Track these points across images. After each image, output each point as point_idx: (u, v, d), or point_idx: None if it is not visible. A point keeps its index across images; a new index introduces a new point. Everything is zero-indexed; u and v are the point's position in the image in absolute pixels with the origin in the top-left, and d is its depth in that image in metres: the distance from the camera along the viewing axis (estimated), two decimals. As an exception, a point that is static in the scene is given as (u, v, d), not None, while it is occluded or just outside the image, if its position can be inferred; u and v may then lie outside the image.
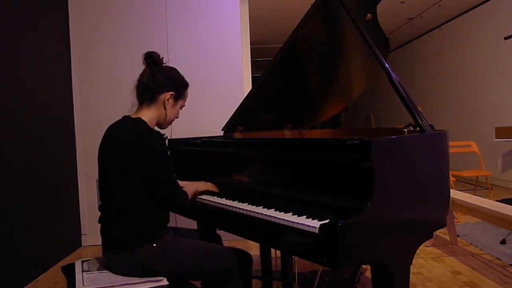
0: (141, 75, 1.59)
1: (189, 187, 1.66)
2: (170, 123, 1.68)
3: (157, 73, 1.58)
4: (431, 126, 1.49)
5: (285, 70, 1.89)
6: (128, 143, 1.47)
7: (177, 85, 1.63)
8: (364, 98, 10.65)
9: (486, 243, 3.07)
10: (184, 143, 2.07)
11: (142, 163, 1.45)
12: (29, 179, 2.71)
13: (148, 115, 1.57)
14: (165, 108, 1.60)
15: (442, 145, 1.46)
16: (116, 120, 1.60)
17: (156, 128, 1.62)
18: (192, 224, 1.93)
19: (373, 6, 1.82)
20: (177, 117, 1.69)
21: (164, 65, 1.61)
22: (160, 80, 1.57)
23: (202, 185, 1.73)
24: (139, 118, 1.54)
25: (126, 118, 1.58)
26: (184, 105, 1.70)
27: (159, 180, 1.49)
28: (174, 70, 1.65)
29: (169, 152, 1.69)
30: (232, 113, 2.10)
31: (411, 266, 1.36)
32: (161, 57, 1.59)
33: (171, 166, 1.53)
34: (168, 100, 1.59)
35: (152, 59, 1.56)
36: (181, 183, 1.66)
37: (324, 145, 1.33)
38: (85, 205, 3.46)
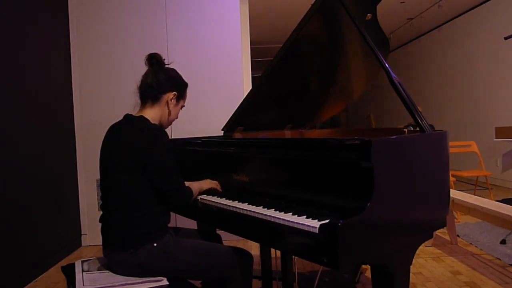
0: (145, 76, 1.62)
1: (194, 184, 1.67)
2: (170, 123, 1.71)
3: (161, 73, 1.61)
4: (431, 126, 1.49)
5: (285, 70, 1.89)
6: (132, 139, 1.49)
7: (179, 86, 1.67)
8: (364, 98, 10.65)
9: (486, 243, 3.07)
10: (184, 143, 2.07)
11: (147, 158, 1.46)
12: (29, 179, 2.71)
13: (151, 114, 1.60)
14: (168, 107, 1.63)
15: (442, 145, 1.46)
16: (118, 119, 1.62)
17: None
18: (192, 224, 1.93)
19: (373, 6, 1.82)
20: (176, 118, 1.72)
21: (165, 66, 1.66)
22: (164, 81, 1.61)
23: (207, 183, 1.74)
24: (142, 116, 1.57)
25: (128, 116, 1.60)
26: (184, 105, 1.73)
27: (164, 174, 1.50)
28: (174, 71, 1.69)
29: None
30: (232, 113, 2.10)
31: (411, 266, 1.36)
32: (163, 58, 1.63)
33: (175, 161, 1.54)
34: (171, 100, 1.63)
35: (155, 60, 1.61)
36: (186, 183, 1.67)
37: (324, 145, 1.33)
38: (85, 205, 3.46)
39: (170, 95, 1.62)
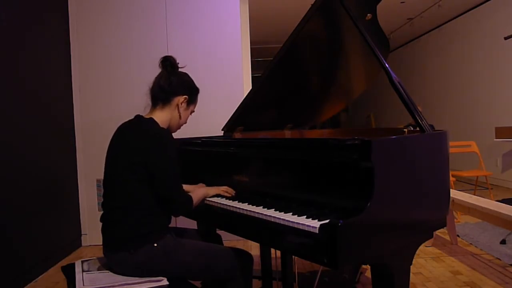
0: (158, 77, 1.63)
1: (197, 191, 1.64)
2: (179, 127, 1.71)
3: (174, 76, 1.62)
4: (431, 126, 1.49)
5: (285, 70, 1.89)
6: (138, 140, 1.49)
7: (190, 90, 1.68)
8: (364, 98, 10.66)
9: (486, 243, 3.07)
10: (184, 143, 2.07)
11: (149, 161, 1.46)
12: (29, 179, 2.71)
13: (161, 117, 1.60)
14: (178, 111, 1.64)
15: (442, 145, 1.46)
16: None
17: None
18: (192, 224, 1.93)
19: (373, 6, 1.82)
20: (185, 122, 1.72)
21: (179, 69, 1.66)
22: (176, 83, 1.62)
23: (214, 190, 1.69)
24: (152, 119, 1.57)
25: (138, 117, 1.60)
26: (194, 111, 1.74)
27: (164, 181, 1.48)
28: (187, 75, 1.69)
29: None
30: (232, 113, 2.10)
31: (411, 266, 1.36)
32: (177, 61, 1.64)
33: (178, 169, 1.52)
34: (181, 104, 1.63)
35: (169, 62, 1.62)
36: (187, 187, 1.66)
37: (324, 145, 1.33)
38: (85, 205, 3.46)
39: (181, 98, 1.63)
